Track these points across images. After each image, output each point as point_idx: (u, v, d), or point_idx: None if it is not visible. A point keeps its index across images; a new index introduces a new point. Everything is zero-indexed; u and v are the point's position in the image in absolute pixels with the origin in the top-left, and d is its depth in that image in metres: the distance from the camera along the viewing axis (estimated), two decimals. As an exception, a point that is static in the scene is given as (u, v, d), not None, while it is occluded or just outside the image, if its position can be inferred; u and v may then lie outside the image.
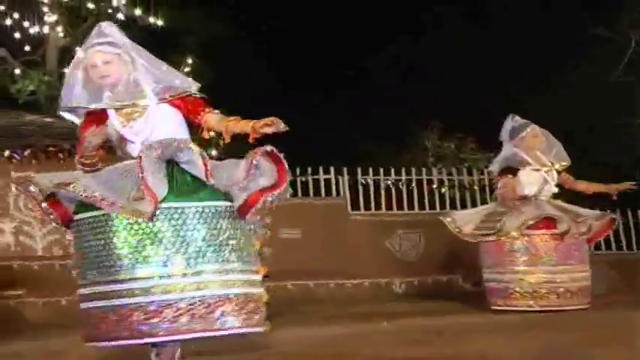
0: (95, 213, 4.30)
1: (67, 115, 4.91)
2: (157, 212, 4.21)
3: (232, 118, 4.57)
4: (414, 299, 10.67)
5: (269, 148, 4.36)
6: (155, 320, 4.17)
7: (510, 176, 8.47)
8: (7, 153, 10.73)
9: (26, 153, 10.84)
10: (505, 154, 8.74)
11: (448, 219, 8.84)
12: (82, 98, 4.73)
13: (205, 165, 4.35)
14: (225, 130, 4.54)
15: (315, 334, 6.51)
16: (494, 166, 8.90)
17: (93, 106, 4.66)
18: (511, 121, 8.77)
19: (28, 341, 6.66)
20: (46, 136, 11.49)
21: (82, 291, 4.41)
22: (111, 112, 4.61)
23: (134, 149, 4.51)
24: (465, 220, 8.73)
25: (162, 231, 4.24)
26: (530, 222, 8.16)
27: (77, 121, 4.82)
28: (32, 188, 4.37)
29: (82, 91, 4.73)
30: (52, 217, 4.45)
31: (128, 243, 4.22)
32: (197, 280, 4.25)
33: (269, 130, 4.43)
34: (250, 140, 4.46)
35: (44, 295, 8.72)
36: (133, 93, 4.62)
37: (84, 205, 4.35)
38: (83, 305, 4.41)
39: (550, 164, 8.58)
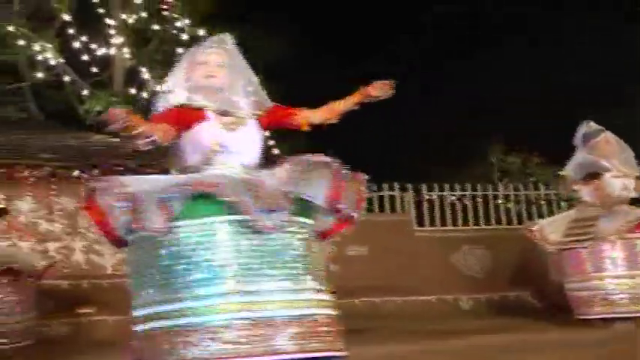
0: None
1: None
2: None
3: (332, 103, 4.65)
4: (482, 316, 10.52)
5: (363, 176, 4.31)
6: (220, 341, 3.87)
7: (597, 181, 8.28)
8: (75, 173, 10.87)
9: (94, 172, 10.94)
10: (578, 160, 8.55)
11: (535, 227, 8.62)
12: (181, 94, 4.67)
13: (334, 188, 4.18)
14: (332, 114, 4.66)
15: (387, 351, 6.43)
16: (571, 172, 8.65)
17: (200, 104, 4.57)
18: (585, 127, 8.60)
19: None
20: (113, 155, 11.66)
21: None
22: (211, 116, 4.52)
23: (229, 159, 4.44)
24: (551, 229, 8.51)
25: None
26: (632, 224, 7.92)
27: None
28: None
29: (183, 85, 4.71)
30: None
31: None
32: (266, 299, 3.96)
33: (379, 94, 4.64)
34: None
35: (114, 314, 8.78)
36: (236, 103, 4.59)
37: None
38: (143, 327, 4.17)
39: (625, 171, 8.39)
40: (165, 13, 16.21)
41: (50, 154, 11.20)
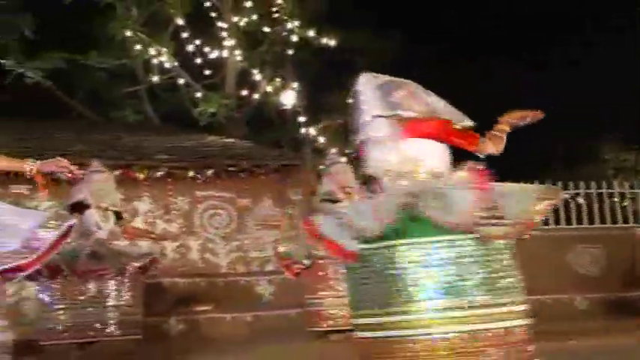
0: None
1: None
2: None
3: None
4: (598, 316, 10.19)
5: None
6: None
7: None
8: (191, 173, 10.98)
9: (209, 173, 11.06)
10: None
11: None
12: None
13: None
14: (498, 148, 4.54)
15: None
16: None
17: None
18: None
19: (217, 356, 6.76)
20: (227, 156, 11.75)
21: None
22: None
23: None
24: None
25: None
26: None
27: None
28: None
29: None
30: None
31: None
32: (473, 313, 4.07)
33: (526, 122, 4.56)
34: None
35: (230, 311, 8.84)
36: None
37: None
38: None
39: None
40: (276, 15, 16.28)
41: (166, 155, 11.34)
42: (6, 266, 3.43)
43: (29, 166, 3.97)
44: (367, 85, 4.78)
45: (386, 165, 4.41)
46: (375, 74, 4.91)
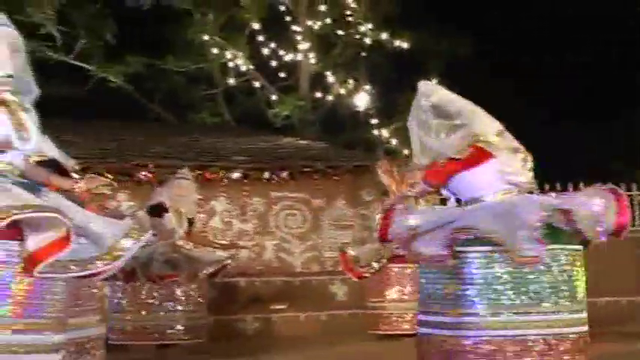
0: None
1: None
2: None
3: None
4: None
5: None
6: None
7: None
8: (266, 174, 11.03)
9: (284, 174, 11.09)
10: None
11: None
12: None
13: None
14: None
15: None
16: None
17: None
18: None
19: (291, 353, 6.79)
20: (301, 158, 11.78)
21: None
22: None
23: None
24: None
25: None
26: None
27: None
28: None
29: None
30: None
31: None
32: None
33: None
34: None
35: (305, 310, 8.86)
36: None
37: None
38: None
39: None
40: (349, 18, 16.30)
41: (242, 157, 11.41)
42: (89, 272, 3.53)
43: (78, 186, 4.08)
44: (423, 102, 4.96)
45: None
46: (432, 86, 5.17)
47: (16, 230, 3.35)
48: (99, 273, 3.61)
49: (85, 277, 3.63)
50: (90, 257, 3.50)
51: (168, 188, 7.43)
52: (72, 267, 3.46)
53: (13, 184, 3.56)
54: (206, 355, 7.16)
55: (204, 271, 7.22)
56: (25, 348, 3.41)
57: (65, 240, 3.37)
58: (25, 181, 3.68)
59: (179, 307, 7.17)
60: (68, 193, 3.94)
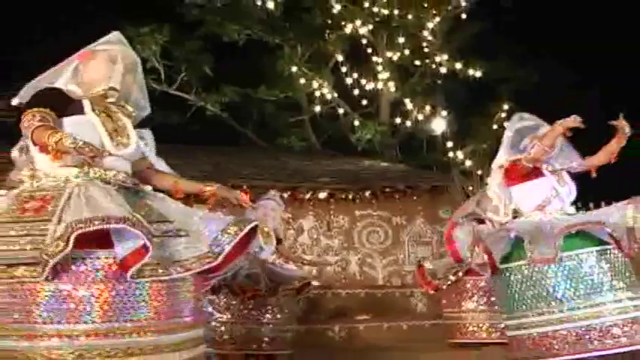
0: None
1: None
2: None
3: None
4: None
5: None
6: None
7: None
8: (350, 194, 11.02)
9: (366, 194, 11.08)
10: None
11: None
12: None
13: None
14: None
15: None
16: None
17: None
18: None
19: None
20: (382, 179, 11.76)
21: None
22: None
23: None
24: None
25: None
26: None
27: None
28: None
29: None
30: None
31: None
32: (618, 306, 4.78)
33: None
34: None
35: (387, 320, 8.76)
36: None
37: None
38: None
39: None
40: (426, 49, 16.23)
41: (328, 178, 11.43)
42: (198, 269, 3.45)
43: (209, 188, 3.98)
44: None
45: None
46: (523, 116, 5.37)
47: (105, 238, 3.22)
48: (210, 271, 3.49)
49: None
50: (194, 256, 3.39)
51: (258, 209, 7.37)
52: (177, 268, 3.34)
53: (117, 189, 3.48)
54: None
55: (285, 287, 7.11)
56: (171, 347, 3.33)
57: (144, 248, 3.22)
58: (129, 185, 3.63)
59: (265, 320, 7.10)
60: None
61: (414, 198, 11.04)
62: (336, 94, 16.28)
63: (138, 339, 3.18)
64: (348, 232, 11.04)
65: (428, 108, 15.93)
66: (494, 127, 15.71)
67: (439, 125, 15.56)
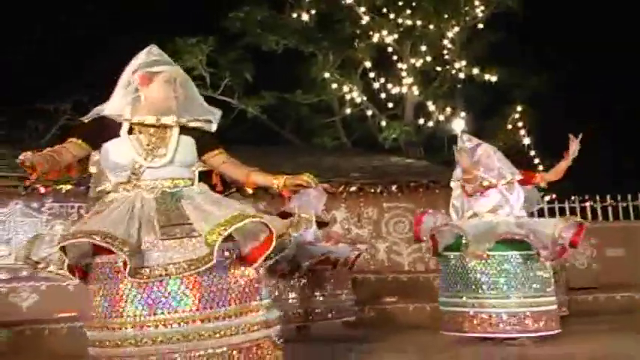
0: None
1: None
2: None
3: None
4: None
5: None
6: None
7: None
8: (379, 188, 11.27)
9: (393, 188, 11.30)
10: None
11: None
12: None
13: None
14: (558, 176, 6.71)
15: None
16: None
17: None
18: None
19: (404, 337, 6.95)
20: (407, 174, 11.99)
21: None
22: None
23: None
24: None
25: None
26: None
27: None
28: None
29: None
30: None
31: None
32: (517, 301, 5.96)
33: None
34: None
35: (412, 302, 8.97)
36: None
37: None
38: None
39: None
40: (446, 57, 16.39)
41: (358, 174, 11.65)
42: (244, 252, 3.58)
43: (277, 180, 3.92)
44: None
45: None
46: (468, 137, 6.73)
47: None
48: (253, 254, 3.60)
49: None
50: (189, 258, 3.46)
51: (298, 197, 7.15)
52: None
53: (160, 195, 3.69)
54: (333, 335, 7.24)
55: (306, 263, 6.95)
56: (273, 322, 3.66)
57: (269, 240, 3.49)
58: (172, 190, 3.76)
59: (325, 293, 7.21)
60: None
61: (436, 191, 11.17)
62: (364, 98, 16.56)
63: (179, 328, 3.38)
64: (376, 222, 11.29)
65: (448, 110, 16.11)
66: (509, 127, 16.00)
67: (459, 125, 15.76)
